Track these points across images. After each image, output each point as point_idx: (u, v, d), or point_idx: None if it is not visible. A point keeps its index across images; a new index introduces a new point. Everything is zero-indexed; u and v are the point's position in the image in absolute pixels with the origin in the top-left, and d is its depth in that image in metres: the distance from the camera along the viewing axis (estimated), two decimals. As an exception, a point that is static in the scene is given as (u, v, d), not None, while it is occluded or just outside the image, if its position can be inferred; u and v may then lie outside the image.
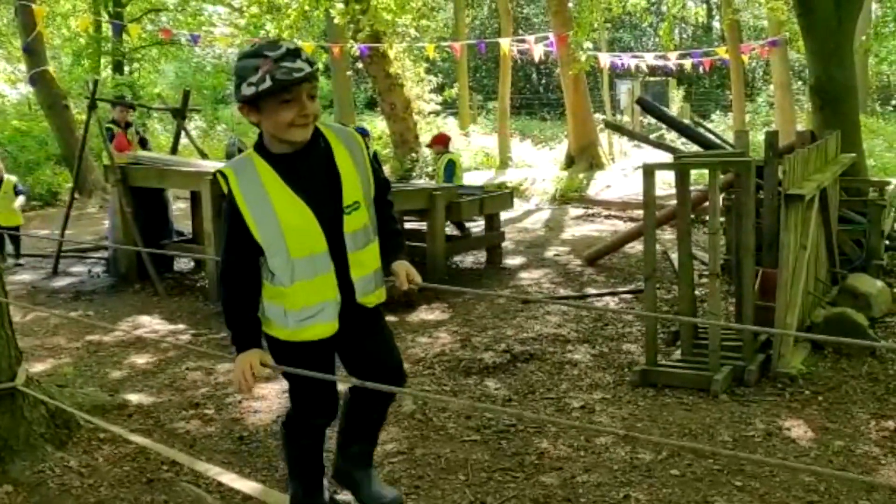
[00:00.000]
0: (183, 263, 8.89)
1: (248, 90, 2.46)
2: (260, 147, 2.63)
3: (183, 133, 9.96)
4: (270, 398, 4.82)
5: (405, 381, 3.07)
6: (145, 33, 24.20)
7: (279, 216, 2.58)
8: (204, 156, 10.21)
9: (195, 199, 8.42)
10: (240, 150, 11.52)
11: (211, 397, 4.84)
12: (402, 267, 2.87)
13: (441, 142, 10.45)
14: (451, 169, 9.97)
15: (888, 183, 7.90)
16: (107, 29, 24.41)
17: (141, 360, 5.67)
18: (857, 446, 3.95)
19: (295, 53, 2.45)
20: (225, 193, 2.63)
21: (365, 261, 2.77)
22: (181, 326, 6.59)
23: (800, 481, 3.58)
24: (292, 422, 3.04)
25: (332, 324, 2.75)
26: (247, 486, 3.47)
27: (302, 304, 2.68)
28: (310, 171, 2.64)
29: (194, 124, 24.17)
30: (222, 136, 23.95)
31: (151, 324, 6.72)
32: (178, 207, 10.51)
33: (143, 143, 10.14)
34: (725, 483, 3.59)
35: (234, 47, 23.17)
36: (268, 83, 2.42)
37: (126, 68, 26.78)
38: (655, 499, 3.45)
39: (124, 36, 23.43)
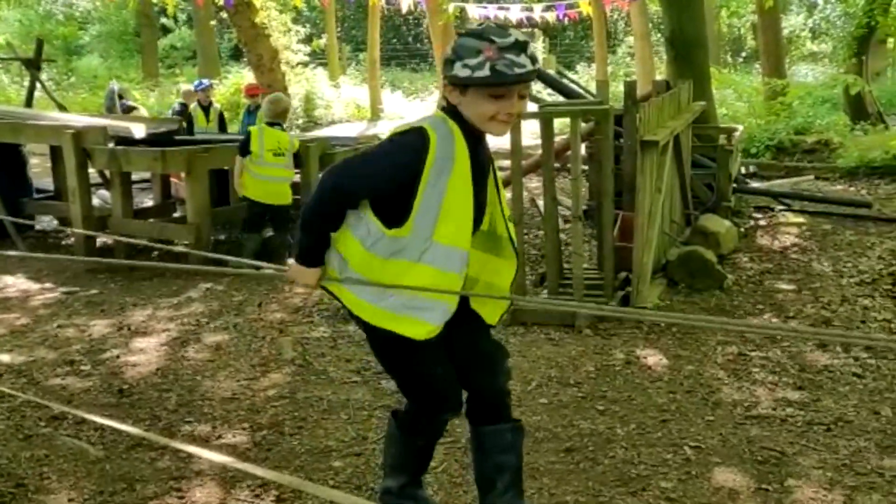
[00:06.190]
0: (46, 222, 8.58)
1: (462, 72, 2.27)
2: (457, 115, 2.38)
3: (38, 85, 9.50)
4: (149, 351, 4.82)
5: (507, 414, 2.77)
6: (-14, -23, 22.59)
7: (447, 194, 2.36)
8: (62, 108, 9.78)
9: (55, 155, 8.09)
10: (120, 97, 11.11)
11: (87, 353, 4.79)
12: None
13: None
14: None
15: (736, 129, 8.47)
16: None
17: (8, 319, 5.50)
18: (705, 370, 4.36)
19: (522, 46, 2.25)
20: (409, 144, 2.36)
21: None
22: (49, 285, 6.41)
23: (654, 403, 3.94)
24: (411, 419, 2.68)
25: (437, 327, 2.48)
26: (130, 430, 3.47)
27: (414, 292, 2.41)
28: (483, 164, 2.49)
29: (46, 76, 22.90)
30: (79, 90, 22.80)
31: (16, 283, 6.50)
32: (35, 163, 10.04)
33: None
34: (589, 408, 3.90)
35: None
36: (485, 72, 2.23)
37: (-34, 15, 24.96)
38: (525, 426, 3.70)
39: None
